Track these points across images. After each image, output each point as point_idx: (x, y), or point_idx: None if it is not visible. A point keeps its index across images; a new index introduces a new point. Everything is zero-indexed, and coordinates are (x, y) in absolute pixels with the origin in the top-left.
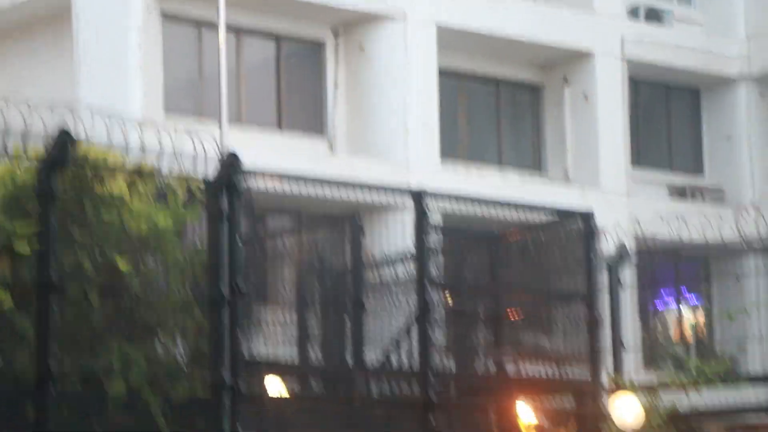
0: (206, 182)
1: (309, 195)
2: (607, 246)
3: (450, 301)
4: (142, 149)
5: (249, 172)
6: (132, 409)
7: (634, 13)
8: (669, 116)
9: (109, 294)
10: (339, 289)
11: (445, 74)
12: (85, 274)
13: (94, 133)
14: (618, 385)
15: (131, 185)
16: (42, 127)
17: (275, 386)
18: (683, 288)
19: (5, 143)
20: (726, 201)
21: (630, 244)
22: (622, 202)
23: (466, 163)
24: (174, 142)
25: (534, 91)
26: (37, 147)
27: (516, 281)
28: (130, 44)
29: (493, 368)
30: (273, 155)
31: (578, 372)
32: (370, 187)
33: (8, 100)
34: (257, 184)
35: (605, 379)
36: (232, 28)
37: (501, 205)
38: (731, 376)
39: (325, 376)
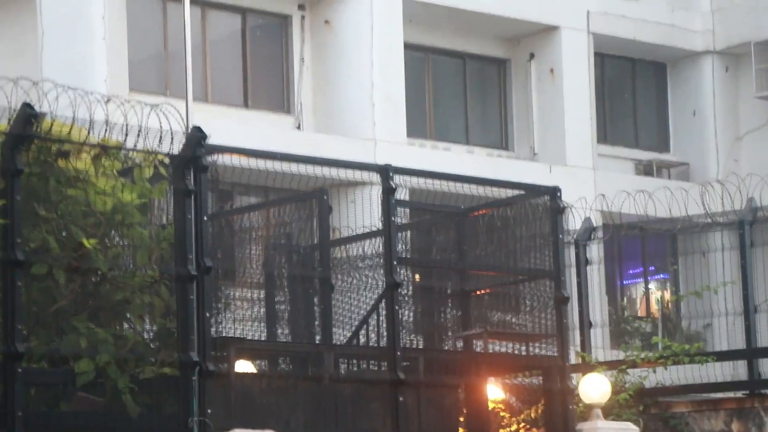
0: (172, 158)
1: (275, 171)
2: (573, 222)
3: (417, 278)
4: (107, 124)
5: (215, 148)
6: (99, 388)
7: None
8: (635, 91)
9: (74, 271)
10: (306, 266)
11: (411, 48)
12: (50, 252)
13: (58, 108)
14: (585, 362)
15: (96, 161)
16: (5, 101)
17: (243, 364)
18: (650, 264)
19: None
20: (692, 176)
21: (596, 220)
22: (588, 178)
23: (432, 138)
24: (139, 118)
25: (500, 66)
26: (0, 122)
27: (483, 258)
28: (94, 17)
29: (460, 345)
30: (239, 132)
31: (546, 349)
32: (337, 163)
33: None
34: (223, 159)
35: (572, 356)
36: (197, 2)
37: (467, 181)
38: (697, 352)
39: (294, 354)
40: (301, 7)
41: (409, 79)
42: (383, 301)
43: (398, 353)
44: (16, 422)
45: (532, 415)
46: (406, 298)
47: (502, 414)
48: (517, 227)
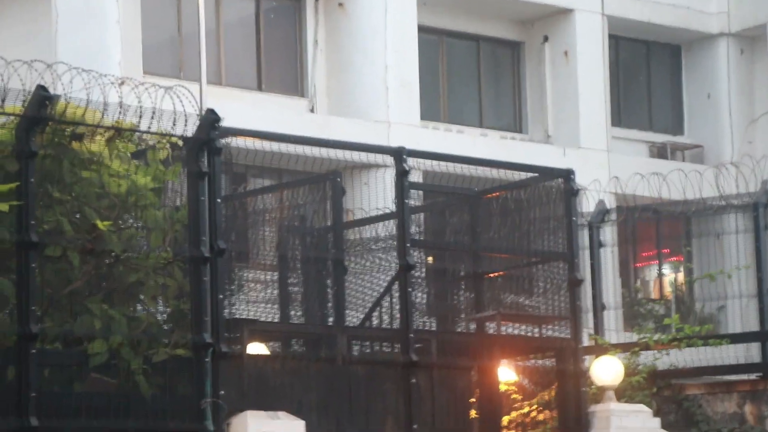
0: (185, 140)
1: (289, 153)
2: (587, 204)
3: (431, 260)
4: (121, 107)
5: (228, 130)
6: (112, 369)
7: None
8: (649, 73)
9: (88, 254)
10: (320, 248)
11: (424, 31)
12: (64, 234)
13: (72, 91)
14: (598, 344)
15: (110, 143)
16: (20, 84)
17: (257, 346)
18: (663, 246)
19: None
20: (706, 159)
21: (610, 203)
22: (602, 161)
23: (446, 121)
24: (153, 100)
25: (514, 48)
26: (15, 105)
27: (496, 240)
28: (108, 0)
29: (474, 328)
30: (253, 114)
31: (559, 331)
32: (351, 146)
33: None
34: (237, 142)
35: (585, 338)
36: None
37: (481, 164)
38: (711, 334)
39: (307, 335)
40: None
41: (422, 62)
42: (396, 283)
43: (411, 335)
44: (30, 402)
45: (545, 397)
46: (419, 281)
47: (514, 396)
48: (531, 210)
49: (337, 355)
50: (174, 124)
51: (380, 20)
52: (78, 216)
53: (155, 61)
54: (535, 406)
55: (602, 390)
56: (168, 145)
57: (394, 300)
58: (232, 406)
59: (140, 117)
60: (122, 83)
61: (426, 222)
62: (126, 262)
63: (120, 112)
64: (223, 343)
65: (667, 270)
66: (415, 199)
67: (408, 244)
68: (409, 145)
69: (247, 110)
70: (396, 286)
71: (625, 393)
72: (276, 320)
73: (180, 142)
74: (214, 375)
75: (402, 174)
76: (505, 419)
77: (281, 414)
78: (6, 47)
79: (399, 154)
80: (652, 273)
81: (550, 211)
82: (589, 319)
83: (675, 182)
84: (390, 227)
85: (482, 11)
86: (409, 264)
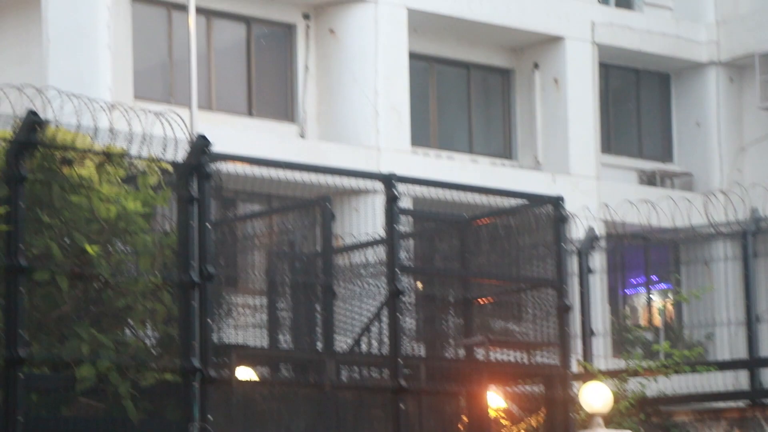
0: (175, 165)
1: (279, 179)
2: (576, 231)
3: (420, 285)
4: (111, 132)
5: (219, 156)
6: (100, 393)
7: None
8: (639, 101)
9: (77, 278)
10: (309, 273)
11: (415, 58)
12: (53, 258)
13: (62, 116)
14: (587, 371)
15: (100, 168)
16: (10, 108)
17: (245, 371)
18: (652, 273)
19: None
20: (695, 187)
21: (599, 230)
22: (591, 188)
23: (436, 147)
24: (143, 126)
25: (504, 76)
26: (5, 129)
27: (486, 266)
28: (99, 25)
29: (462, 354)
30: (243, 140)
31: (548, 358)
32: (341, 172)
33: None
34: (227, 167)
35: (574, 364)
36: (202, 11)
37: (471, 190)
38: (699, 362)
39: (295, 361)
40: (305, 16)
41: (413, 89)
42: (385, 308)
43: (400, 361)
44: (17, 427)
45: (533, 424)
46: (408, 306)
47: (503, 422)
48: (520, 236)
49: (326, 380)
50: (164, 150)
51: (371, 47)
52: (67, 240)
53: (146, 85)
54: None
55: (591, 416)
56: (158, 170)
57: (383, 325)
58: (220, 431)
59: (130, 142)
60: (112, 108)
61: (415, 248)
62: (115, 286)
63: (110, 138)
64: (211, 368)
65: (655, 297)
66: (404, 224)
67: (397, 270)
68: (399, 171)
69: (237, 135)
70: (385, 312)
71: (613, 419)
72: (264, 345)
73: (170, 168)
74: (202, 400)
75: (392, 200)
76: None
77: None
78: None
79: (389, 180)
80: (640, 300)
81: (540, 238)
82: (577, 345)
83: (664, 209)
84: (380, 253)
85: (473, 38)
86: (399, 289)
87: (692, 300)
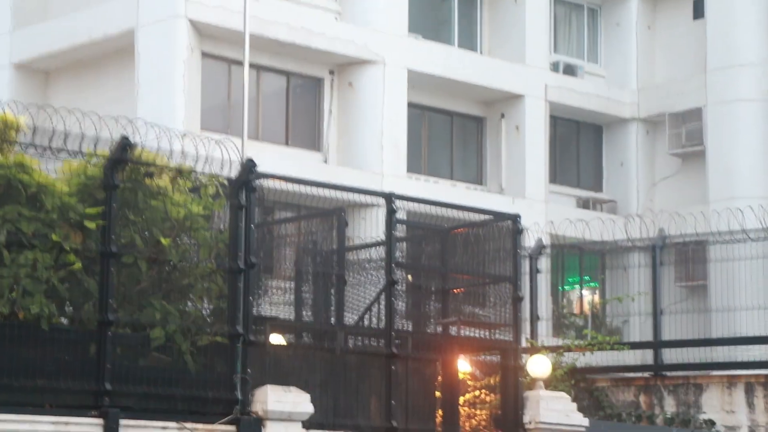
0: (229, 180)
1: (306, 193)
2: (528, 241)
3: (410, 278)
4: (183, 154)
5: (262, 174)
6: (168, 350)
7: (555, 66)
8: (578, 145)
9: (153, 262)
10: (327, 265)
11: (412, 107)
12: (136, 246)
13: (147, 140)
14: (533, 346)
15: (173, 181)
16: (108, 134)
17: (276, 337)
18: (584, 274)
19: (80, 146)
20: (618, 211)
21: (546, 240)
22: (541, 209)
23: (426, 174)
24: (207, 150)
25: (478, 122)
26: (104, 149)
27: (460, 265)
28: (176, 74)
29: (440, 330)
30: (281, 163)
31: (504, 335)
32: (353, 190)
33: (84, 115)
34: (268, 183)
35: (524, 341)
36: (254, 65)
37: (451, 207)
38: (617, 342)
39: (314, 331)
40: (331, 72)
41: (410, 129)
42: (383, 293)
43: (392, 334)
44: (105, 372)
45: (491, 384)
46: (401, 293)
47: (468, 382)
48: (486, 243)
49: (337, 346)
50: (221, 168)
51: (379, 97)
52: (147, 234)
53: (210, 120)
54: (483, 390)
55: (534, 380)
56: (216, 184)
57: (381, 306)
58: (256, 382)
59: (196, 162)
60: (184, 136)
61: (407, 249)
62: (181, 269)
63: (182, 158)
64: (251, 334)
65: (586, 293)
66: (400, 231)
67: (393, 265)
68: (397, 191)
69: (276, 160)
70: (383, 296)
71: (551, 383)
72: (291, 318)
73: (225, 182)
74: (243, 358)
75: (391, 212)
76: (461, 399)
77: (292, 388)
78: (99, 105)
79: (389, 197)
80: (575, 294)
81: (501, 245)
82: (527, 327)
83: (595, 227)
84: (380, 252)
85: (455, 93)
86: (394, 280)
87: (614, 297)
